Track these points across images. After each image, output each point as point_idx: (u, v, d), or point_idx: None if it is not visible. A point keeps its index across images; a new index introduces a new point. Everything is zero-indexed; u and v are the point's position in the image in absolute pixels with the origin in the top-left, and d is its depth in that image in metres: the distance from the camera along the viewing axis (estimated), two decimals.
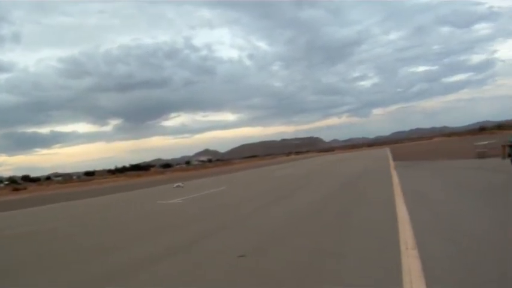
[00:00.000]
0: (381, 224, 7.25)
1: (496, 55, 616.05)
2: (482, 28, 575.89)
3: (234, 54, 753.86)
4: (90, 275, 5.72)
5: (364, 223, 7.56)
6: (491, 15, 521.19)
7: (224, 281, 4.79)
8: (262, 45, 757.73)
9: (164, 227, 9.61)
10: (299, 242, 6.55)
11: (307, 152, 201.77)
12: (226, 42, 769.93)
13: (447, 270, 4.36)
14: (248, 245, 6.56)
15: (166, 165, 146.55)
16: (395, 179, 15.10)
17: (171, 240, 7.72)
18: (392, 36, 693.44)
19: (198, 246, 6.93)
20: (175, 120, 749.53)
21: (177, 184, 26.42)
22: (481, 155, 21.51)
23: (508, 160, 12.20)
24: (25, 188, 65.81)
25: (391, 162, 27.56)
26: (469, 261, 4.57)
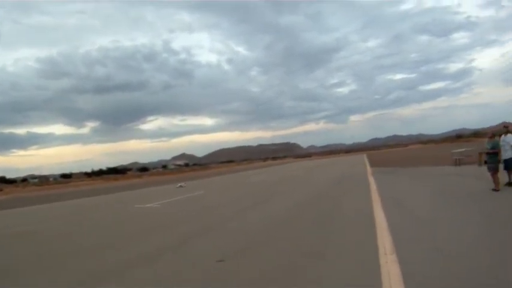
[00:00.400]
0: (359, 231, 7.35)
1: (474, 64, 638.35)
2: (461, 37, 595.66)
3: (212, 58, 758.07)
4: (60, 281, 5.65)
5: (342, 230, 7.63)
6: (469, 25, 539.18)
7: (203, 286, 4.84)
8: (241, 50, 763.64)
9: (137, 232, 9.54)
10: (276, 246, 6.53)
11: (284, 157, 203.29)
12: (205, 46, 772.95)
13: (426, 274, 4.46)
14: (227, 250, 6.62)
15: (143, 169, 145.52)
16: (373, 186, 15.32)
17: (145, 247, 7.61)
18: (371, 43, 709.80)
19: (174, 252, 6.91)
20: (153, 123, 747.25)
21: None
22: (458, 162, 21.94)
23: (484, 167, 12.35)
24: (1, 190, 63.96)
25: (369, 169, 27.98)
26: (448, 266, 4.69)
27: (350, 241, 6.47)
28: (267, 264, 5.51)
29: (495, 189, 10.33)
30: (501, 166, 10.93)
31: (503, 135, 11.15)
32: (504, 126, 11.98)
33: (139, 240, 8.45)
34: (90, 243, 8.69)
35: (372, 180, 18.13)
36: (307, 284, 4.51)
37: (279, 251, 6.20)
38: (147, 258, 6.51)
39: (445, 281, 4.19)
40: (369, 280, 4.42)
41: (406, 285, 4.13)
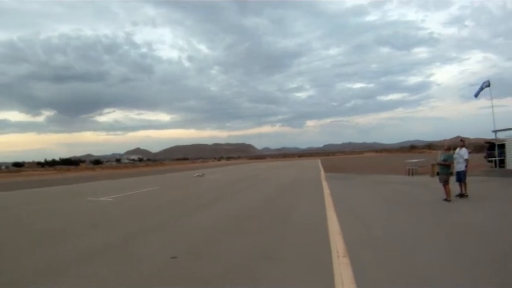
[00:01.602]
0: (312, 235, 7.54)
1: (432, 79, 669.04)
2: (422, 52, 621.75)
3: (173, 54, 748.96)
4: None
5: (295, 233, 7.80)
6: (431, 41, 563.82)
7: (154, 282, 4.84)
8: (203, 48, 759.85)
9: (85, 227, 9.31)
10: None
11: (239, 158, 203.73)
12: (167, 42, 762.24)
13: (375, 275, 4.71)
14: (180, 247, 6.66)
15: (97, 162, 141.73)
16: (327, 190, 15.75)
17: (90, 242, 7.41)
18: (332, 51, 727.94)
19: (127, 247, 6.85)
20: (109, 116, 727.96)
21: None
22: (411, 172, 22.96)
23: (436, 178, 13.09)
24: None
25: (323, 174, 28.57)
26: (397, 267, 4.97)
27: (303, 244, 6.65)
28: (220, 262, 5.57)
29: (446, 200, 10.98)
30: (453, 178, 11.61)
31: (458, 149, 11.91)
32: (461, 140, 12.79)
33: (85, 235, 8.23)
34: (27, 238, 8.26)
35: (325, 185, 18.62)
36: (260, 285, 4.62)
37: (231, 253, 6.25)
38: (92, 254, 6.36)
39: (393, 279, 4.47)
40: (323, 281, 4.60)
41: (358, 285, 4.36)
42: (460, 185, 11.81)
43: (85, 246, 7.04)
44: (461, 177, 11.67)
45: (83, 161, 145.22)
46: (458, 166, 11.72)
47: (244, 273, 5.09)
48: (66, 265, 5.75)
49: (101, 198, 16.04)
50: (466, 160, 11.69)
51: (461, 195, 11.64)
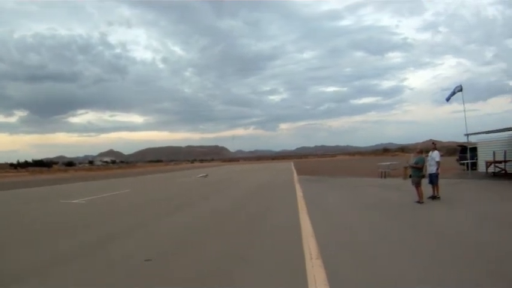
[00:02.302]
0: (285, 236, 7.61)
1: (405, 83, 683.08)
2: (395, 57, 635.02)
3: (148, 56, 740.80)
4: None
5: (268, 235, 7.83)
6: (405, 46, 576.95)
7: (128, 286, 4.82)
8: (177, 50, 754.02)
9: (56, 230, 9.27)
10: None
11: (212, 160, 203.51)
12: (142, 43, 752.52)
13: (348, 277, 4.77)
14: (153, 250, 6.64)
15: (70, 164, 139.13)
16: (299, 193, 15.89)
17: (62, 245, 7.35)
18: (307, 55, 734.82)
19: (100, 250, 6.83)
20: (82, 117, 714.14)
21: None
22: (384, 175, 23.37)
23: (409, 180, 13.39)
24: None
25: (296, 176, 28.77)
26: (369, 268, 5.05)
27: (277, 246, 6.69)
28: (194, 265, 5.60)
29: (419, 202, 11.23)
30: (425, 180, 11.88)
31: (430, 152, 12.21)
32: (432, 143, 13.10)
33: (57, 238, 8.19)
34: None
35: (298, 187, 18.76)
36: (235, 285, 4.66)
37: (208, 254, 6.26)
38: (63, 258, 6.28)
39: (366, 280, 4.56)
40: (296, 282, 4.64)
41: (331, 286, 4.43)
42: (433, 187, 12.14)
43: (56, 249, 7.00)
44: (433, 179, 12.00)
45: (56, 163, 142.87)
46: (431, 168, 12.04)
47: (218, 275, 5.10)
48: (36, 269, 5.65)
49: (74, 201, 16.00)
50: (438, 163, 12.01)
51: (434, 197, 11.95)
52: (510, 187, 15.09)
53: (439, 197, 11.94)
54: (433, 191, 12.14)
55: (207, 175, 28.69)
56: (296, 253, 6.03)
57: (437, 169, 12.02)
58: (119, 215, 11.71)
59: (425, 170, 12.20)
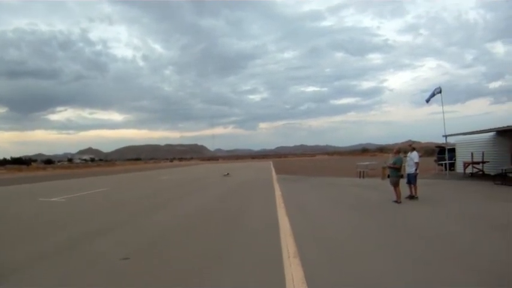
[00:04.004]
0: (263, 237, 7.67)
1: (385, 84, 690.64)
2: (376, 58, 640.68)
3: (128, 53, 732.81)
4: None
5: (247, 233, 7.90)
6: (385, 47, 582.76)
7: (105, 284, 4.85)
8: (158, 47, 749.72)
9: (34, 228, 9.27)
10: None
11: (191, 159, 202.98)
12: (123, 40, 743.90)
13: (326, 275, 4.86)
14: (132, 247, 6.77)
15: (48, 161, 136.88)
16: (278, 192, 16.00)
17: (39, 245, 7.32)
18: (287, 55, 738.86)
19: (78, 248, 6.85)
20: (62, 114, 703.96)
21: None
22: (362, 175, 23.59)
23: (387, 180, 13.59)
24: None
25: (275, 176, 28.82)
26: (347, 266, 5.16)
27: (255, 245, 6.75)
28: (172, 263, 5.65)
29: (396, 201, 11.41)
30: (403, 180, 12.06)
31: (409, 152, 12.40)
32: (409, 145, 13.29)
33: (35, 236, 8.20)
34: None
35: (277, 187, 18.86)
36: (213, 284, 4.71)
37: (186, 252, 6.32)
38: (41, 256, 6.29)
39: (343, 278, 4.65)
40: (274, 280, 4.71)
41: (308, 284, 4.50)
42: (410, 187, 12.37)
43: (35, 247, 7.00)
44: (411, 179, 12.23)
45: (35, 160, 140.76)
46: (409, 169, 12.24)
47: (196, 274, 5.13)
48: (13, 268, 5.61)
49: (53, 199, 16.01)
50: (417, 163, 12.20)
51: (411, 197, 12.19)
52: (487, 187, 15.44)
53: (417, 197, 12.18)
54: (411, 191, 12.39)
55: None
56: (274, 252, 6.10)
57: (416, 169, 12.22)
58: (97, 212, 11.76)
59: (404, 171, 12.39)
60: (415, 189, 12.36)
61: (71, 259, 6.09)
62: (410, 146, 13.03)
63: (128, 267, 5.49)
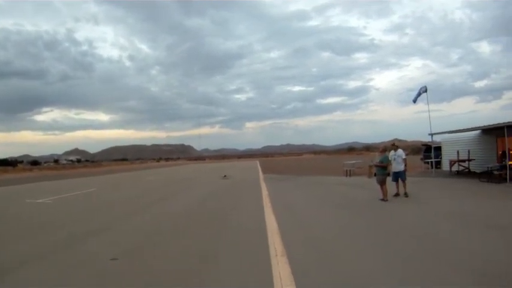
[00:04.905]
0: (250, 236, 7.69)
1: (371, 83, 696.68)
2: (362, 57, 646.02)
3: (114, 53, 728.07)
4: None
5: (235, 232, 7.91)
6: (371, 47, 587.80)
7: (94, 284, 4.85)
8: (144, 47, 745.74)
9: (20, 230, 9.18)
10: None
11: (178, 159, 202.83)
12: (108, 40, 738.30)
13: (313, 273, 4.89)
14: (120, 248, 6.74)
15: (35, 163, 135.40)
16: (265, 191, 16.05)
17: (34, 243, 7.45)
18: (273, 54, 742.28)
19: (66, 249, 6.82)
20: (47, 115, 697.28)
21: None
22: (349, 173, 23.68)
23: (373, 179, 13.65)
24: None
25: (261, 175, 28.78)
26: (334, 264, 5.20)
27: (242, 244, 6.77)
28: (160, 263, 5.65)
29: (383, 199, 11.45)
30: (389, 178, 12.11)
31: (392, 151, 12.46)
32: (392, 144, 13.36)
33: (22, 238, 8.14)
34: None
35: (264, 186, 18.89)
36: (201, 284, 4.70)
37: (174, 253, 6.32)
38: (29, 258, 6.21)
39: (330, 276, 4.66)
40: (262, 279, 4.72)
41: (296, 282, 4.51)
42: (397, 185, 12.51)
43: (22, 249, 6.95)
44: (401, 176, 12.42)
45: (21, 162, 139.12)
46: (398, 166, 12.26)
47: (184, 273, 5.13)
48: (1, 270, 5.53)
49: (39, 200, 15.83)
50: (405, 159, 12.27)
51: (397, 195, 12.37)
52: (473, 185, 15.68)
53: (407, 195, 12.28)
54: (398, 188, 12.51)
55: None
56: (261, 251, 6.12)
57: (405, 165, 12.33)
58: (85, 213, 11.74)
59: (390, 169, 12.46)
60: (405, 186, 12.49)
61: (60, 259, 6.07)
62: (394, 145, 13.13)
63: (117, 268, 5.47)
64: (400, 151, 12.62)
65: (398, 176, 12.47)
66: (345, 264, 5.30)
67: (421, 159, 28.24)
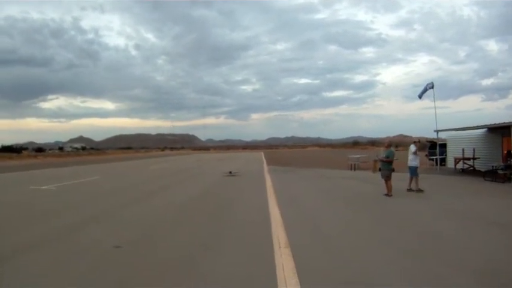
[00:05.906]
0: (254, 227, 7.77)
1: (378, 78, 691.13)
2: (369, 52, 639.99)
3: (120, 42, 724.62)
4: None
5: (239, 221, 8.01)
6: (379, 41, 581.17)
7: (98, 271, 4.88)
8: (150, 37, 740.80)
9: (24, 217, 9.16)
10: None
11: (183, 148, 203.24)
12: (115, 29, 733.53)
13: (316, 265, 4.92)
14: (124, 235, 6.81)
15: (39, 150, 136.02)
16: (269, 183, 16.12)
17: (39, 229, 7.53)
18: (280, 46, 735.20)
19: (71, 235, 6.90)
20: (53, 102, 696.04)
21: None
22: (353, 167, 23.73)
23: (378, 173, 13.71)
24: None
25: (266, 167, 28.93)
26: (338, 257, 5.23)
27: (246, 235, 6.83)
28: (164, 251, 5.71)
29: (387, 195, 11.53)
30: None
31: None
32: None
33: (28, 224, 8.17)
34: None
35: (268, 178, 18.94)
36: (204, 274, 4.72)
37: (177, 242, 6.36)
38: (35, 244, 6.28)
39: (334, 268, 4.69)
40: (265, 270, 4.75)
41: (299, 275, 4.52)
42: (410, 180, 12.80)
43: (27, 235, 7.00)
44: (414, 172, 12.69)
45: (26, 149, 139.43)
46: (415, 162, 12.71)
47: (188, 262, 5.17)
48: (6, 256, 5.56)
49: (44, 187, 15.85)
50: (416, 154, 12.67)
51: (419, 190, 12.45)
52: (477, 184, 15.70)
53: (422, 190, 12.47)
54: (417, 184, 12.66)
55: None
56: (265, 242, 6.15)
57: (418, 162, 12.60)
58: (89, 201, 11.79)
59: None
60: (417, 182, 12.68)
61: (65, 245, 6.13)
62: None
63: (120, 255, 5.53)
64: (412, 146, 13.21)
65: (414, 171, 12.72)
66: (346, 256, 5.33)
67: (426, 155, 28.15)
